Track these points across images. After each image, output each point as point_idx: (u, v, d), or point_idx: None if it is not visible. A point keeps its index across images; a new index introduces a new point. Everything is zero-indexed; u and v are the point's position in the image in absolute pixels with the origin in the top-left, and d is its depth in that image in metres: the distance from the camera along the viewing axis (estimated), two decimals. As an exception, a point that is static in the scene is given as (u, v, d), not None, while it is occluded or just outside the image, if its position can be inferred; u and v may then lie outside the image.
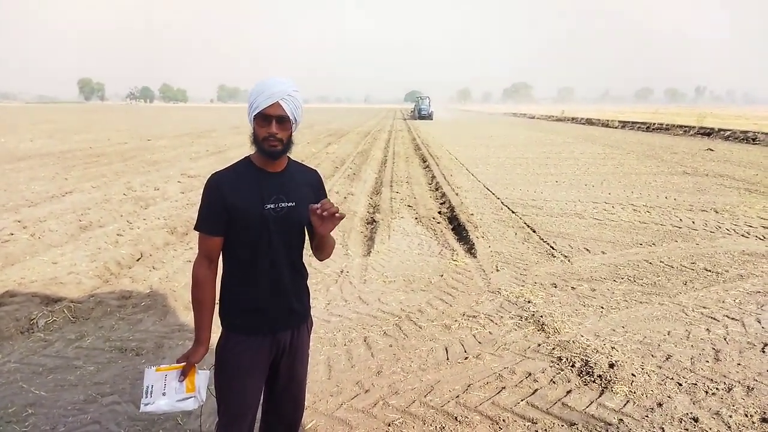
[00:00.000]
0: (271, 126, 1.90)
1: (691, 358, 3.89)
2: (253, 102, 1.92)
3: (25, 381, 3.57)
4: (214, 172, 2.04)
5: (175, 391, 2.04)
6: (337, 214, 1.88)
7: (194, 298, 2.05)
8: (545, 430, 3.06)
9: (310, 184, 2.13)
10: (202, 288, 2.03)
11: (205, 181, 2.01)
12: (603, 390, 3.43)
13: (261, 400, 2.19)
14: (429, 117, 52.53)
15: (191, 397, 2.05)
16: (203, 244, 2.02)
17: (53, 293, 5.07)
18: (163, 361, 3.85)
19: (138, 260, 6.35)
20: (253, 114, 1.92)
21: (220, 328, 2.09)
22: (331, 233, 2.03)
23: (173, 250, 6.75)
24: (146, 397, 2.02)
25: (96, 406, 3.28)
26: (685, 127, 31.22)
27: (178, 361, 2.07)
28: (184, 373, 2.05)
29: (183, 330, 4.39)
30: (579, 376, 3.63)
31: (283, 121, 1.92)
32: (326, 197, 2.15)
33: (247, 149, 2.05)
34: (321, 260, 2.23)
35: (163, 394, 2.03)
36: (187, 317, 4.64)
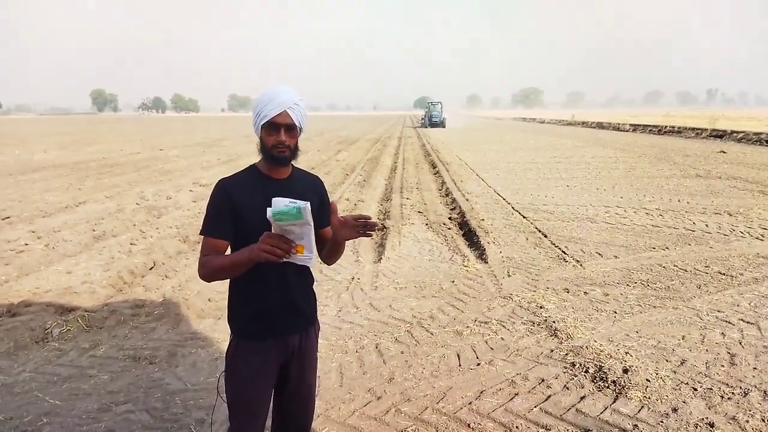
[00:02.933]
0: (280, 134, 1.95)
1: (706, 363, 3.84)
2: (260, 111, 1.95)
3: (40, 390, 3.61)
4: (220, 178, 2.06)
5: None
6: (369, 230, 2.01)
7: (215, 269, 1.94)
8: (559, 436, 3.04)
9: (314, 189, 2.18)
10: (210, 261, 1.95)
11: (213, 187, 2.04)
12: (617, 396, 3.40)
13: (271, 405, 2.20)
14: (441, 124, 48.47)
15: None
16: (208, 248, 1.98)
17: (67, 303, 5.13)
18: (177, 369, 3.87)
19: (151, 269, 6.40)
20: (261, 123, 1.96)
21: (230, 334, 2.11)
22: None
23: (185, 258, 6.80)
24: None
25: (110, 414, 3.30)
26: (698, 129, 30.90)
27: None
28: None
29: (196, 338, 4.41)
30: (593, 381, 3.59)
31: (291, 129, 1.98)
32: (329, 202, 2.18)
33: (258, 158, 2.09)
34: (329, 264, 2.25)
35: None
36: (200, 325, 4.67)
